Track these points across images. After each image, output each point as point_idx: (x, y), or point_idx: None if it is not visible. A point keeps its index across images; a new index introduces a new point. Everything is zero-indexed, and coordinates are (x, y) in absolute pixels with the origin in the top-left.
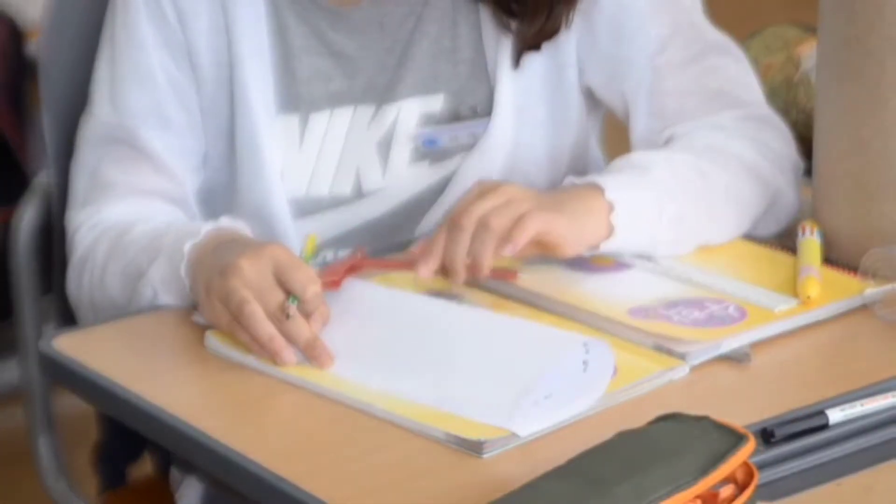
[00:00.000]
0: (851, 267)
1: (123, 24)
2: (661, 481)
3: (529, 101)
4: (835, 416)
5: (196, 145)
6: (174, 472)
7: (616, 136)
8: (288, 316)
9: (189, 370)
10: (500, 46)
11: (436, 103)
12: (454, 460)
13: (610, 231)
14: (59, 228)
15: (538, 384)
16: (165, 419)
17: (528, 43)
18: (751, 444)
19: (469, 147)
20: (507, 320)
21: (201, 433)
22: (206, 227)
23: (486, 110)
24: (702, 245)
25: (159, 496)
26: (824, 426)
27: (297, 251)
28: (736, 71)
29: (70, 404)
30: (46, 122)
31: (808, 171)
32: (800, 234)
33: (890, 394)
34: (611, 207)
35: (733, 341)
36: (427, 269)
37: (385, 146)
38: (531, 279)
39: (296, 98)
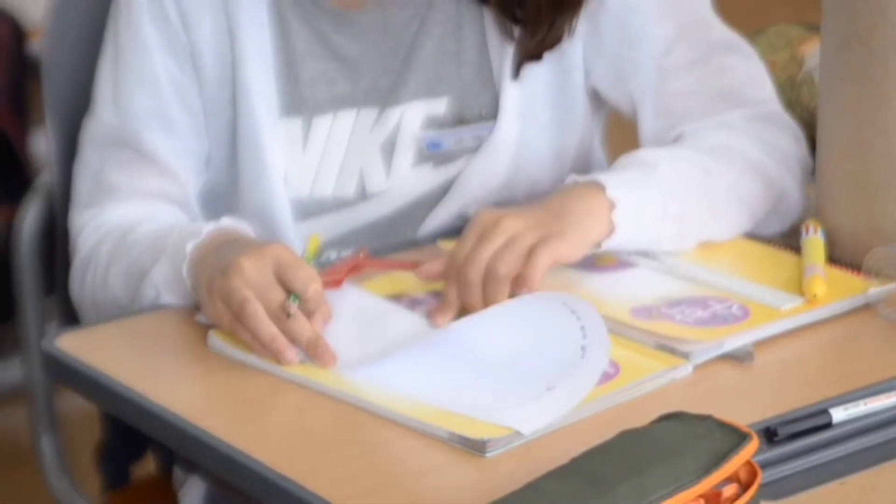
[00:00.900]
0: (855, 266)
1: (126, 25)
2: (664, 481)
3: (535, 103)
4: (838, 415)
5: (199, 147)
6: (177, 471)
7: (619, 136)
8: (289, 315)
9: (192, 369)
10: (505, 50)
11: (440, 106)
12: (457, 459)
13: (611, 229)
14: (62, 228)
15: (539, 377)
16: (168, 418)
17: (530, 53)
18: (754, 444)
19: (473, 150)
20: (500, 308)
21: (204, 432)
22: (207, 228)
23: (491, 114)
24: (703, 242)
25: (162, 495)
26: (828, 425)
27: (299, 252)
28: (745, 69)
29: (73, 403)
30: (49, 122)
31: (812, 170)
32: (803, 233)
33: (893, 393)
34: (612, 205)
35: (736, 340)
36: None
37: (389, 149)
38: None
39: (299, 101)
